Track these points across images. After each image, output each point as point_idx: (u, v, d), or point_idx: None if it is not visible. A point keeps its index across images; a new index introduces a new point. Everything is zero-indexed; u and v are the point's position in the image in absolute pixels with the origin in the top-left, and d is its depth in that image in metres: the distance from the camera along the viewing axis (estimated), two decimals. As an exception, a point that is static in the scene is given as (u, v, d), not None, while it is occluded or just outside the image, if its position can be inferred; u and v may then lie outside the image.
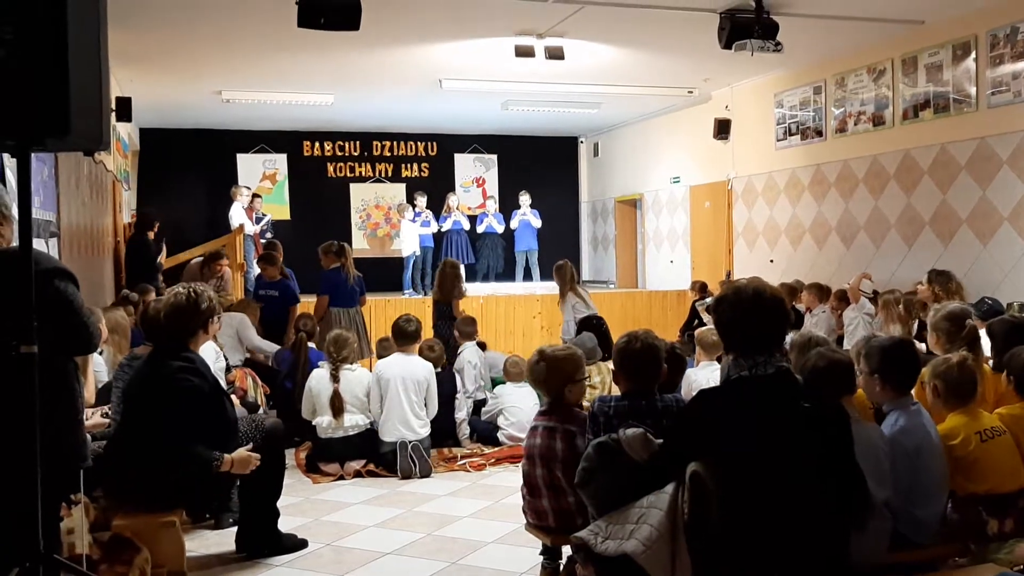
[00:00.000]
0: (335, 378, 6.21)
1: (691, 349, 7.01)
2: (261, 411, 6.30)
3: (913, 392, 3.56)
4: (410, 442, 6.17)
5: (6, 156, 4.86)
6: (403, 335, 6.59)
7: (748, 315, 2.82)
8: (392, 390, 6.26)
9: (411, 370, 6.38)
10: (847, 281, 8.70)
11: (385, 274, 14.76)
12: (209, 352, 5.38)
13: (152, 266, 10.39)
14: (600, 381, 7.25)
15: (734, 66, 10.31)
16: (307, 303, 9.28)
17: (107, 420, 4.92)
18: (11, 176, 4.88)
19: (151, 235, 10.68)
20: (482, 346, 8.25)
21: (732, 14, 7.63)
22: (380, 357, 7.10)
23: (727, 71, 10.92)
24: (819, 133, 10.49)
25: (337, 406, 6.15)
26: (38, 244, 3.68)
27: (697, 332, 6.85)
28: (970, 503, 3.41)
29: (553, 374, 3.95)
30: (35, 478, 2.82)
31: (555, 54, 8.96)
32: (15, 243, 3.21)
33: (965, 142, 8.44)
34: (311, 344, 7.55)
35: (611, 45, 9.47)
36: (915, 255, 9.05)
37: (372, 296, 12.17)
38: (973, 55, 8.27)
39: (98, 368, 5.59)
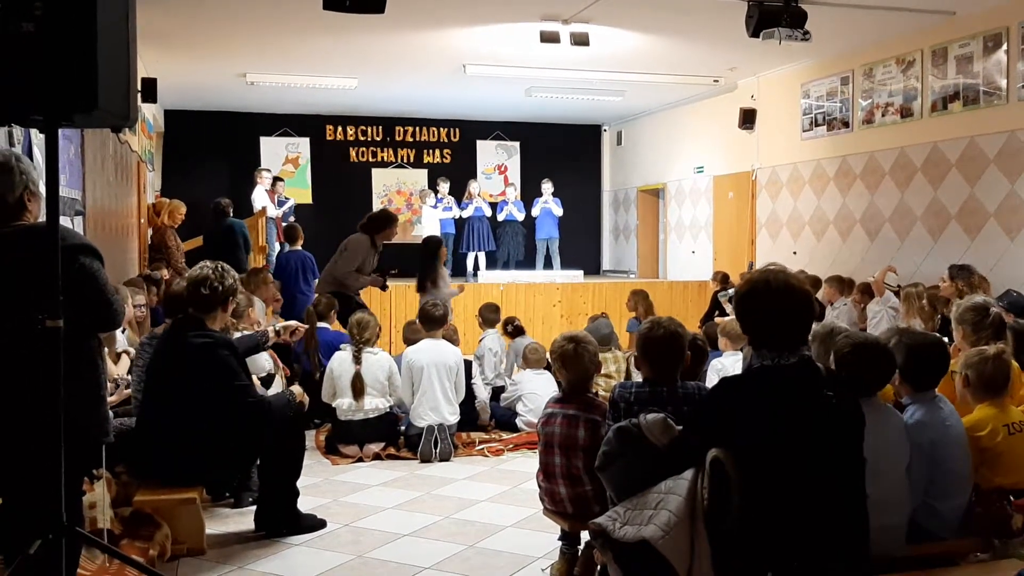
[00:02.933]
0: (357, 360, 6.22)
1: (712, 341, 6.97)
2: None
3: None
4: (438, 426, 6.18)
5: (34, 133, 4.90)
6: (430, 320, 6.59)
7: (774, 312, 2.73)
8: (425, 377, 6.27)
9: (442, 356, 6.39)
10: (871, 274, 8.62)
11: (406, 260, 14.78)
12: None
13: (250, 250, 10.83)
14: (616, 370, 7.23)
15: (761, 55, 10.23)
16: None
17: (129, 391, 4.97)
18: (38, 154, 4.92)
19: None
20: (519, 330, 8.21)
21: (760, 2, 7.54)
22: (407, 342, 7.09)
23: (754, 60, 10.83)
24: (846, 124, 10.39)
25: (358, 388, 6.16)
26: (64, 222, 3.71)
27: (722, 322, 6.80)
28: (994, 497, 3.38)
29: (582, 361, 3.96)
30: (58, 452, 2.84)
31: (580, 40, 8.91)
32: (42, 219, 3.23)
33: (994, 135, 8.33)
34: (325, 324, 7.52)
35: (637, 32, 9.41)
36: (941, 249, 8.96)
37: (393, 282, 12.19)
38: (1004, 47, 8.16)
39: (120, 346, 5.64)
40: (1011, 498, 3.40)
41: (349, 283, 8.09)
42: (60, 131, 2.95)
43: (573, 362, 3.97)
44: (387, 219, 8.41)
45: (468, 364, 7.04)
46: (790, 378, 2.74)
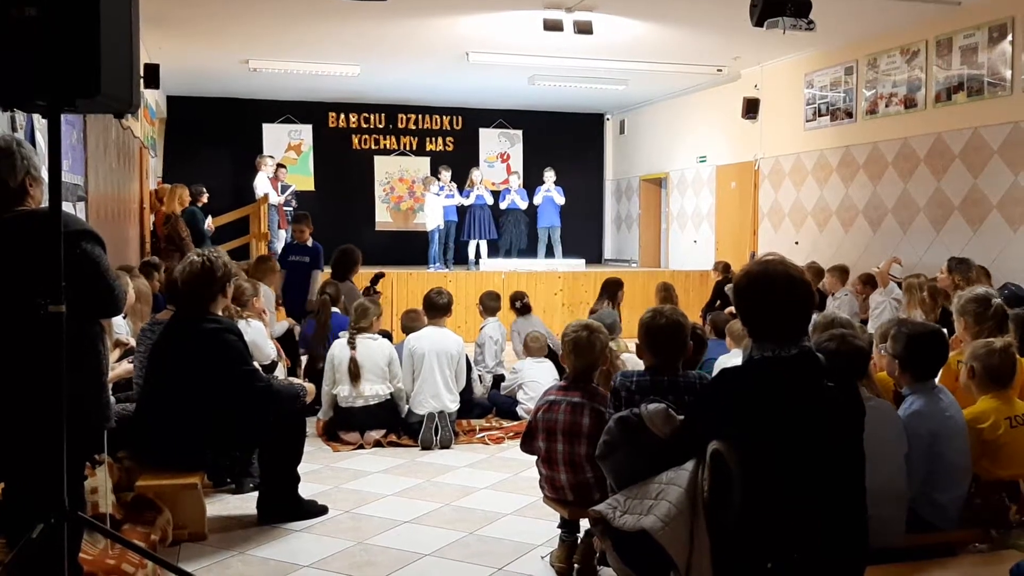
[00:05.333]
0: (352, 346, 6.22)
1: (717, 331, 6.96)
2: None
3: (940, 372, 3.53)
4: (438, 413, 6.19)
5: (36, 118, 4.89)
6: (434, 308, 6.60)
7: (774, 304, 2.68)
8: (426, 364, 6.28)
9: (444, 344, 6.39)
10: (875, 265, 8.62)
11: (408, 247, 14.82)
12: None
13: (203, 235, 10.97)
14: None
15: (765, 45, 10.20)
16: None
17: (132, 366, 4.97)
18: (41, 139, 4.91)
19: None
20: (527, 308, 8.23)
21: (764, -9, 7.52)
22: (405, 330, 7.09)
23: (757, 49, 10.80)
24: (849, 115, 10.37)
25: (354, 373, 6.15)
26: (66, 207, 3.69)
27: (731, 321, 6.78)
28: (994, 488, 3.39)
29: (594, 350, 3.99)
30: (60, 437, 2.85)
31: (583, 28, 8.89)
32: (44, 204, 3.23)
33: (998, 126, 8.31)
34: (335, 309, 7.54)
35: (640, 20, 9.39)
36: (943, 240, 8.95)
37: (395, 269, 12.20)
38: (1009, 38, 8.13)
39: (119, 331, 5.64)
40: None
41: None
42: (63, 116, 2.95)
43: (585, 350, 3.99)
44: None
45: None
46: (791, 370, 2.73)
